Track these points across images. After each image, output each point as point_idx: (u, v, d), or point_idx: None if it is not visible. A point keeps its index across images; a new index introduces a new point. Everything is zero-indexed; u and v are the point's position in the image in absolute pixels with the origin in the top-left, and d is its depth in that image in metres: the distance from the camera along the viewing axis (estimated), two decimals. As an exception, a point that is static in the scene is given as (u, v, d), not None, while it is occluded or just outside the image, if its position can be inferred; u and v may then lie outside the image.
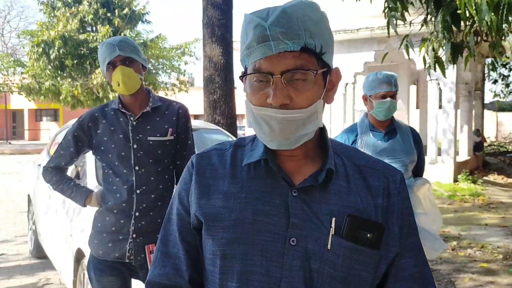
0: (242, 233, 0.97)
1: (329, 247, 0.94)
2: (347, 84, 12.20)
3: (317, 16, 0.95)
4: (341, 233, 0.95)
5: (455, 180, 10.97)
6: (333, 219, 0.95)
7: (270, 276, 0.95)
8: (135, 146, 2.27)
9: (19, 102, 32.30)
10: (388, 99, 2.73)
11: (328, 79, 0.99)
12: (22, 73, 21.62)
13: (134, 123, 2.30)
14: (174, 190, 1.12)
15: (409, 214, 1.05)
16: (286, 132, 0.93)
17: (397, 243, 1.01)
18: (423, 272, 1.04)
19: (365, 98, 2.83)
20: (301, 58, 0.92)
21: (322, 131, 1.05)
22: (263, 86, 0.94)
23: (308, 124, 0.95)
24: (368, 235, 0.96)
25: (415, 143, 2.87)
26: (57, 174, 2.49)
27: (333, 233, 0.95)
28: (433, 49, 3.60)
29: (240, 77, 1.01)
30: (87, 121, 2.36)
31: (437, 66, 3.64)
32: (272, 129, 0.94)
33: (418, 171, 2.95)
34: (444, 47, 3.44)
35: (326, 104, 1.01)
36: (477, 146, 14.62)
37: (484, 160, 15.42)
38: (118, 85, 2.22)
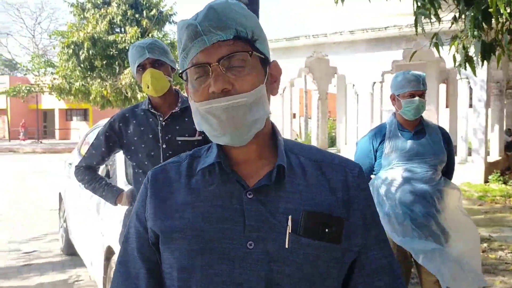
0: (200, 243, 0.94)
1: (287, 246, 0.92)
2: (374, 83, 12.07)
3: (243, 10, 0.97)
4: (298, 230, 0.93)
5: (486, 181, 10.73)
6: (289, 217, 0.93)
7: (232, 283, 0.92)
8: (164, 146, 2.31)
9: (50, 102, 33.08)
10: (416, 98, 2.69)
11: (268, 72, 0.99)
12: (52, 73, 22.15)
13: (163, 123, 2.34)
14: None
15: (370, 206, 1.03)
16: (234, 120, 0.92)
17: (360, 236, 0.99)
18: (391, 264, 1.02)
19: (393, 98, 2.81)
20: (235, 45, 0.94)
21: (273, 130, 1.04)
22: (202, 80, 0.94)
23: (254, 110, 0.94)
24: (327, 230, 0.94)
25: (445, 143, 2.81)
26: (89, 173, 2.58)
27: (290, 231, 0.93)
28: (464, 48, 3.53)
29: (182, 79, 1.01)
30: (118, 122, 2.42)
31: (467, 65, 3.57)
32: (220, 120, 0.93)
33: (448, 172, 2.89)
34: (474, 46, 3.37)
35: (272, 96, 1.02)
36: (509, 145, 14.26)
37: (516, 160, 15.03)
38: (148, 87, 2.27)
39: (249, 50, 0.95)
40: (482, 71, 9.87)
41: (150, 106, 2.38)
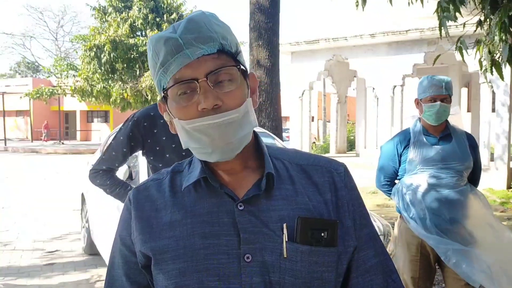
0: (194, 261, 0.91)
1: (285, 255, 0.90)
2: (395, 86, 11.97)
3: (220, 22, 0.95)
4: (294, 238, 0.91)
5: (509, 187, 10.53)
6: (284, 225, 0.91)
7: None
8: None
9: (72, 103, 33.63)
10: (438, 102, 2.65)
11: (248, 82, 0.97)
12: (74, 76, 22.50)
13: None
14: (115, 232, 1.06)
15: (359, 205, 1.01)
16: (226, 137, 0.89)
17: (353, 236, 0.97)
18: (383, 261, 1.01)
19: (417, 102, 2.78)
20: (220, 59, 0.90)
21: (256, 138, 1.02)
22: (189, 97, 0.90)
23: (244, 125, 0.92)
24: (322, 234, 0.92)
25: (471, 149, 2.76)
26: (110, 177, 2.46)
27: (286, 239, 0.90)
28: (489, 52, 3.48)
29: (161, 100, 0.96)
30: (142, 121, 2.31)
31: (494, 69, 3.52)
32: (212, 138, 0.89)
33: (474, 178, 2.84)
34: (501, 50, 3.32)
35: (255, 105, 0.99)
36: (533, 151, 13.98)
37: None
38: None
39: (235, 65, 0.92)
40: (505, 75, 9.70)
41: None
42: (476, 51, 3.71)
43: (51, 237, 6.52)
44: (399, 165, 2.81)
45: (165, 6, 22.19)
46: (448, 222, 2.62)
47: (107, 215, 4.16)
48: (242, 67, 0.94)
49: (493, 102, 11.15)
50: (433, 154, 2.68)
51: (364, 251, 0.99)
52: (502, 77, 3.56)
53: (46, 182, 12.54)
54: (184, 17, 20.43)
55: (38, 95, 23.97)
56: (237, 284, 0.89)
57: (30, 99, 26.49)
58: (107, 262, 4.44)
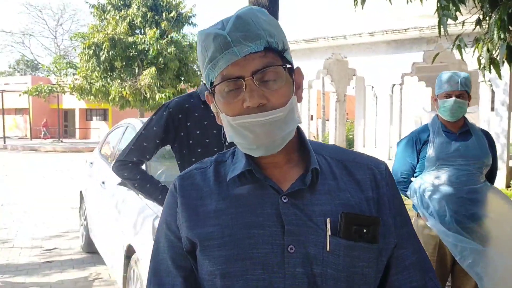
0: (239, 249, 0.94)
1: (328, 248, 0.93)
2: (394, 85, 11.96)
3: (268, 17, 0.95)
4: (337, 232, 0.94)
5: (508, 186, 10.54)
6: (328, 219, 0.94)
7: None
8: (227, 143, 2.22)
9: (71, 101, 33.59)
10: (452, 98, 2.62)
11: (294, 78, 0.98)
12: (74, 74, 22.48)
13: None
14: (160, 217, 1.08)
15: (400, 203, 1.04)
16: (271, 134, 0.92)
17: (393, 233, 0.99)
18: (421, 259, 1.03)
19: (434, 99, 2.77)
20: (267, 57, 0.92)
21: (299, 133, 1.04)
22: (235, 94, 0.92)
23: (289, 122, 0.94)
24: (365, 230, 0.95)
25: (490, 147, 2.73)
26: (140, 172, 2.33)
27: (329, 233, 0.93)
28: (488, 50, 3.48)
29: (208, 92, 0.99)
30: (177, 112, 2.24)
31: (492, 68, 3.51)
32: (257, 135, 0.92)
33: (491, 176, 2.83)
34: (499, 48, 3.31)
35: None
36: (532, 150, 13.99)
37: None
38: None
39: (282, 64, 0.94)
40: (505, 73, 9.71)
41: None
42: (475, 50, 3.71)
43: (50, 235, 6.52)
44: (417, 162, 2.77)
45: (164, 4, 22.15)
46: (468, 219, 2.59)
47: (105, 213, 4.16)
48: (288, 65, 0.95)
49: (492, 101, 11.15)
50: (452, 151, 2.65)
51: (404, 249, 1.01)
52: (500, 76, 3.57)
53: (45, 180, 12.53)
54: (184, 15, 20.26)
55: (37, 92, 23.95)
56: (280, 274, 0.92)
57: (29, 97, 26.46)
58: (105, 260, 4.46)
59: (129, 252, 3.30)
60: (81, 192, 5.85)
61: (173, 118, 2.23)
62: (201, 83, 2.29)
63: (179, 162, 2.30)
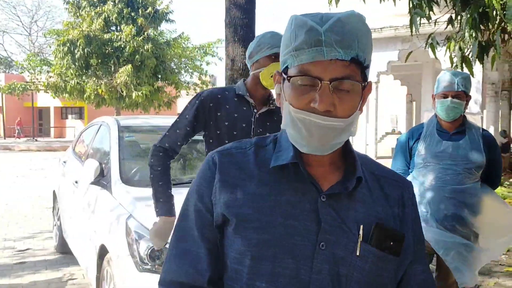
0: (273, 235, 0.97)
1: (358, 253, 0.97)
2: (370, 83, 12.09)
3: (366, 29, 0.96)
4: (369, 240, 0.98)
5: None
6: (361, 227, 0.98)
7: (298, 278, 0.96)
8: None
9: (45, 100, 32.98)
10: (448, 98, 2.63)
11: (363, 93, 0.99)
12: (48, 71, 22.06)
13: (257, 116, 2.28)
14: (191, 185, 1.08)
15: (419, 223, 1.10)
16: (324, 139, 0.94)
17: (411, 250, 1.05)
18: (429, 277, 1.09)
19: (433, 98, 2.79)
20: (350, 69, 0.92)
21: (346, 140, 1.06)
22: (307, 90, 0.93)
23: (345, 133, 0.96)
24: (392, 243, 1.00)
25: (487, 148, 2.70)
26: (164, 171, 2.31)
27: (361, 239, 0.98)
28: (460, 48, 3.53)
29: (279, 74, 1.01)
30: (208, 101, 2.27)
31: (464, 66, 3.57)
32: (311, 135, 0.94)
33: (490, 179, 2.79)
34: (471, 46, 3.37)
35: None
36: (504, 147, 14.31)
37: (511, 162, 15.08)
38: (271, 76, 2.15)
39: (361, 81, 0.95)
40: (477, 72, 9.90)
41: (248, 94, 2.27)
42: (447, 48, 3.77)
43: (23, 235, 6.38)
44: (410, 158, 2.81)
45: (140, 1, 21.89)
46: (449, 218, 2.61)
47: (78, 213, 4.09)
48: (365, 83, 0.97)
49: (466, 99, 11.36)
50: (441, 149, 2.67)
51: (416, 265, 1.07)
52: (472, 74, 3.62)
53: (19, 180, 12.29)
54: (160, 11, 19.98)
55: (10, 90, 23.43)
56: (307, 267, 0.96)
57: (2, 95, 25.89)
58: (79, 261, 4.39)
59: (102, 252, 3.25)
60: (54, 192, 5.75)
61: (203, 106, 2.26)
62: (240, 80, 2.33)
63: (206, 151, 2.35)
